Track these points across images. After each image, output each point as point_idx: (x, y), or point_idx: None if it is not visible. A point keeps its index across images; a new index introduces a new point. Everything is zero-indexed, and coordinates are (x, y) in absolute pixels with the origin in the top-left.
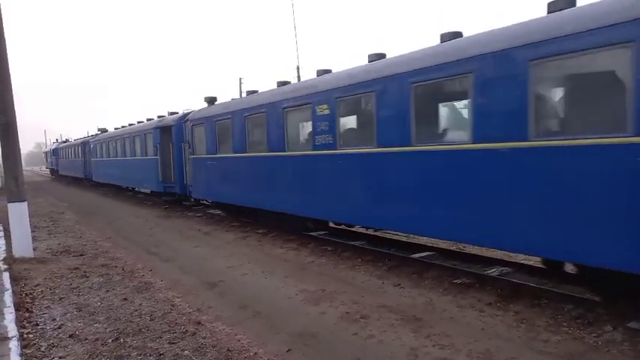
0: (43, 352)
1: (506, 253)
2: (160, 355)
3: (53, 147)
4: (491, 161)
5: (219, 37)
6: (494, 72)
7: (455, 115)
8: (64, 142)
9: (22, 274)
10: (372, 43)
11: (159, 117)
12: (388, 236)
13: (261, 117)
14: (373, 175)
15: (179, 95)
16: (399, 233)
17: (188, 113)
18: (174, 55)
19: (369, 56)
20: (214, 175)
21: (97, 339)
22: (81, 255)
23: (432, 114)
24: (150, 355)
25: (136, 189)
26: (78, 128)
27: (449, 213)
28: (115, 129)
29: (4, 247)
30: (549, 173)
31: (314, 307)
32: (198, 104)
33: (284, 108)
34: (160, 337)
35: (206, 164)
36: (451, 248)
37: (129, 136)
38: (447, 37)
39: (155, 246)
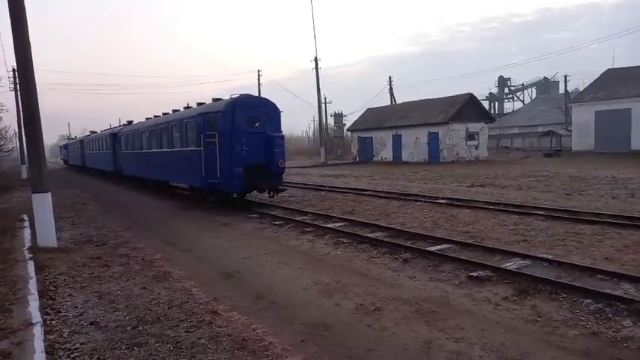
0: (65, 338)
1: (524, 247)
2: (177, 342)
3: (64, 143)
4: (173, 154)
5: (238, 24)
6: (183, 124)
7: (180, 137)
8: (72, 139)
9: (46, 263)
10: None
11: (118, 125)
12: (405, 229)
13: (138, 133)
14: (156, 160)
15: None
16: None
17: (124, 126)
18: (190, 39)
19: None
20: (128, 162)
21: (116, 326)
22: (102, 245)
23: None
24: (167, 343)
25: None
26: (100, 110)
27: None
28: (102, 131)
29: (29, 237)
30: (179, 157)
31: (328, 298)
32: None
33: (141, 132)
34: (178, 326)
35: (125, 155)
36: (468, 241)
37: (100, 137)
38: (188, 107)
39: (174, 237)
